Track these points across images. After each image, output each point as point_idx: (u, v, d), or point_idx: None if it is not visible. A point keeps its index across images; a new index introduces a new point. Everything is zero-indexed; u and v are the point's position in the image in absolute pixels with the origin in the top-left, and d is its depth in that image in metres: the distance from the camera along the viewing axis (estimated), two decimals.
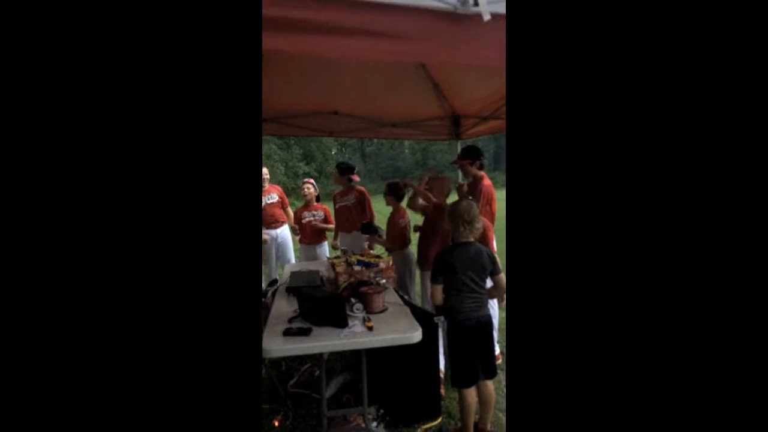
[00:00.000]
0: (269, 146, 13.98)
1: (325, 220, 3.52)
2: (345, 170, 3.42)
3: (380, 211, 3.39)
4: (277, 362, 2.50)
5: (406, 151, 27.79)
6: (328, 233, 3.57)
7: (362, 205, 3.38)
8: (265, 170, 3.54)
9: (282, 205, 3.55)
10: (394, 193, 2.90)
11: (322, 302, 1.73)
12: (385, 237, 2.88)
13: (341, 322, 1.66)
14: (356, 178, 3.44)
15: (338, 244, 3.37)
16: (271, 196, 3.48)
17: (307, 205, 3.54)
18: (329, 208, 3.58)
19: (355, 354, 2.08)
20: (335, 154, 19.58)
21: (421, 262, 2.63)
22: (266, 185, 3.48)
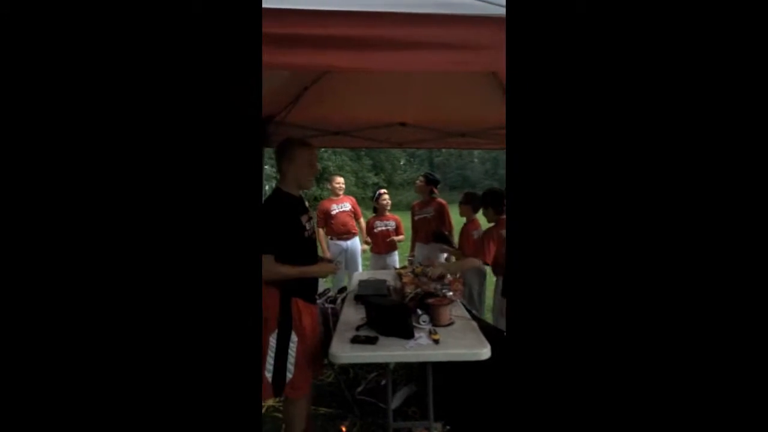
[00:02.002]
0: (341, 158, 14.55)
1: (397, 230, 3.56)
2: (431, 182, 3.46)
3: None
4: (345, 368, 2.57)
5: (476, 160, 27.14)
6: (399, 243, 3.61)
7: (442, 217, 3.37)
8: (341, 179, 3.71)
9: (355, 216, 3.65)
10: (471, 203, 2.82)
11: (389, 311, 1.74)
12: (456, 247, 2.83)
13: (407, 333, 1.65)
14: (436, 191, 3.50)
15: (415, 255, 3.37)
16: (344, 204, 3.61)
17: (379, 215, 3.61)
18: (401, 218, 3.63)
19: (422, 366, 2.06)
20: (404, 164, 19.75)
21: (494, 266, 2.50)
22: (341, 194, 3.63)
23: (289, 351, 1.62)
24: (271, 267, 1.57)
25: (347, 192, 3.95)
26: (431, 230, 3.33)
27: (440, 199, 3.47)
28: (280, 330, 1.62)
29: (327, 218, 3.54)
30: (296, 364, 1.63)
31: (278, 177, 1.78)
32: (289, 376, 1.62)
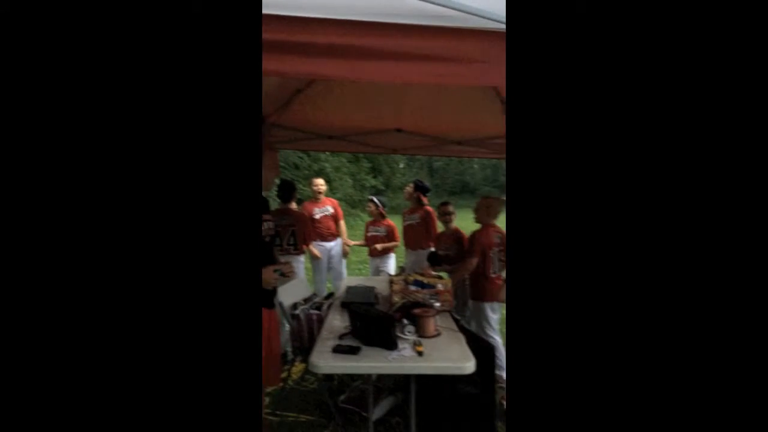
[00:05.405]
0: (340, 159, 14.50)
1: (389, 236, 3.55)
2: (419, 188, 3.48)
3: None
4: (329, 375, 2.54)
5: (476, 166, 27.13)
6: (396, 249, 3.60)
7: (427, 225, 3.35)
8: (321, 181, 3.64)
9: (335, 218, 3.59)
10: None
11: (373, 322, 1.72)
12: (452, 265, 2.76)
13: (390, 344, 1.63)
14: (425, 199, 3.48)
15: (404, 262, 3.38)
16: (326, 208, 3.55)
17: (373, 220, 3.62)
18: (396, 223, 3.62)
19: (406, 377, 2.04)
20: (402, 167, 19.72)
21: (476, 292, 2.50)
22: (322, 198, 3.55)
23: None
24: None
25: (345, 194, 3.92)
26: (417, 237, 3.32)
27: (428, 207, 3.45)
28: None
29: (311, 221, 3.45)
30: None
31: None
32: None
